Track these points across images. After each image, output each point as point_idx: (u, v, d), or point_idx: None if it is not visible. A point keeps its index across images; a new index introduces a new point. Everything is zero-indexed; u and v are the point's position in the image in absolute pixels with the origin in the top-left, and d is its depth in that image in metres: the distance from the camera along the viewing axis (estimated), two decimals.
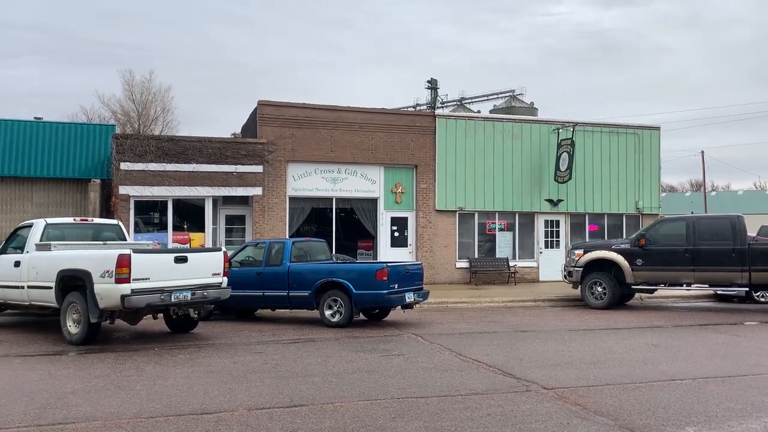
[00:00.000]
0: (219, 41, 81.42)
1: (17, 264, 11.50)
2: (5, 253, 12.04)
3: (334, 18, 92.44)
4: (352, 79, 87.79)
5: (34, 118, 21.98)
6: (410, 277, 13.08)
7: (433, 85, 57.54)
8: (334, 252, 17.90)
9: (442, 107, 55.95)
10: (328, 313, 12.54)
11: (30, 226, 12.01)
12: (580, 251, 16.92)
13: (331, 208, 21.00)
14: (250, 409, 6.53)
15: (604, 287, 16.22)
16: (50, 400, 6.89)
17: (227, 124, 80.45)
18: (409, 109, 50.55)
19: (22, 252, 11.62)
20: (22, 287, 11.34)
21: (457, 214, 22.08)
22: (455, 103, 57.73)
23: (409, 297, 12.76)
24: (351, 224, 21.50)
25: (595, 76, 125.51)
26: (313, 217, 21.17)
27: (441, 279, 21.47)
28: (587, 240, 22.05)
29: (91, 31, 75.16)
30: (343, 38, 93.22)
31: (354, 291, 12.26)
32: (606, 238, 22.69)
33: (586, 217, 23.57)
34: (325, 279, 12.61)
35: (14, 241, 12.18)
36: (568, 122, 22.80)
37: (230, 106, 74.52)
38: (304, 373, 8.25)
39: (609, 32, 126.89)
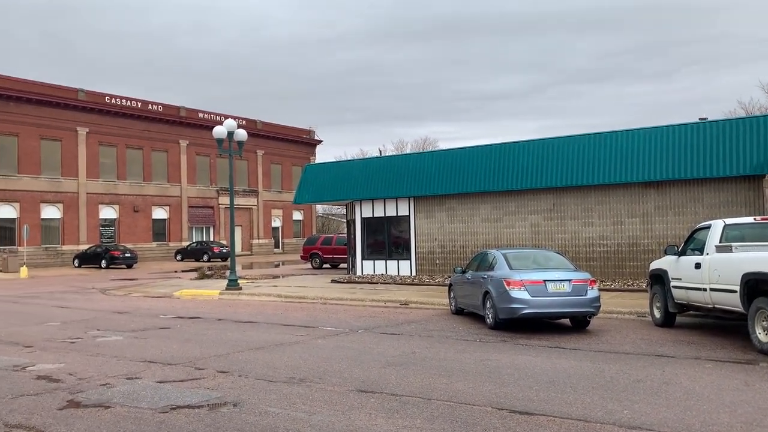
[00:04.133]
0: None
1: (697, 266, 11.50)
2: (685, 255, 12.24)
3: None
4: None
5: (699, 119, 22.05)
6: None
7: None
8: None
9: None
10: None
11: (707, 227, 11.87)
12: None
13: None
14: None
15: None
16: (754, 415, 6.38)
17: None
18: None
19: (701, 254, 11.57)
20: (704, 289, 11.26)
21: None
22: None
23: None
24: None
25: None
26: None
27: None
28: None
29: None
30: None
31: None
32: None
33: None
34: None
35: (692, 243, 12.26)
36: None
37: None
38: None
39: None
